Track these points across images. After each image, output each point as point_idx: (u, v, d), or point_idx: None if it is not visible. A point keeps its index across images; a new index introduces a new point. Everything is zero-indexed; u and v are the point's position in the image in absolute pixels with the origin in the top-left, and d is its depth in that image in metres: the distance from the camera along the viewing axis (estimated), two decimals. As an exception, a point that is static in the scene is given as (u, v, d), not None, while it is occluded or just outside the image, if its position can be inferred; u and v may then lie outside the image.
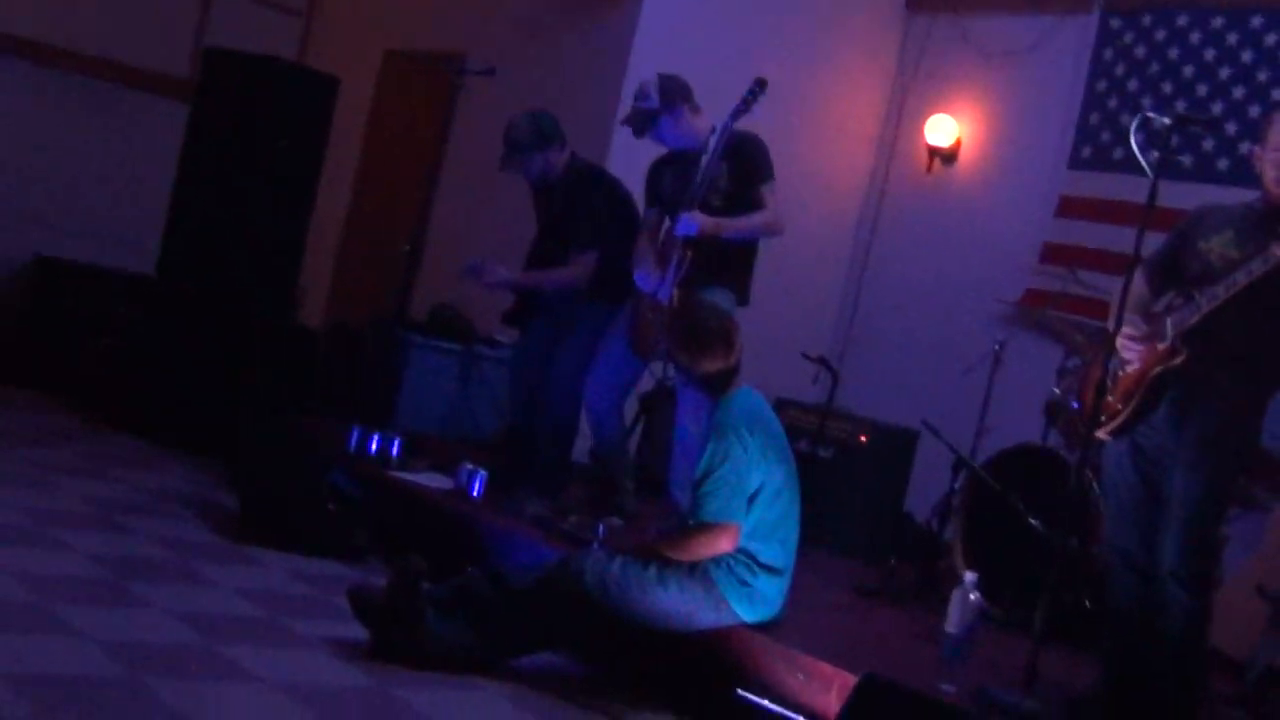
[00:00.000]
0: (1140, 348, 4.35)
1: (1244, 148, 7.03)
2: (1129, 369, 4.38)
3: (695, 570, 4.52)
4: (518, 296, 6.62)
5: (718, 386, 4.71)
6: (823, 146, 8.79)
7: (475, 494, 5.98)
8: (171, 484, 6.35)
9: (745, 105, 5.61)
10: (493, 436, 7.37)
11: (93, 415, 7.48)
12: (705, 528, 4.51)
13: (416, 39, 9.34)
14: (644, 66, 7.14)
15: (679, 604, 4.51)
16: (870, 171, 9.05)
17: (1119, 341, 4.35)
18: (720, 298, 5.58)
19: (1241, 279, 4.13)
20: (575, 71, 8.11)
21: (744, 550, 4.54)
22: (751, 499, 4.54)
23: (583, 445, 6.45)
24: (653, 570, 4.52)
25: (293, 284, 7.84)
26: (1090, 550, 5.47)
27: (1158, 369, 4.29)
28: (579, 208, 6.26)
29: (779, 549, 4.62)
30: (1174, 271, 4.48)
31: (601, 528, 5.30)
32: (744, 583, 4.53)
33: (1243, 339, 4.21)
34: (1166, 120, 4.30)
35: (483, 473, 6.01)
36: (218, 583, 4.94)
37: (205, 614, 4.53)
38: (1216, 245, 4.33)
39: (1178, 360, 4.25)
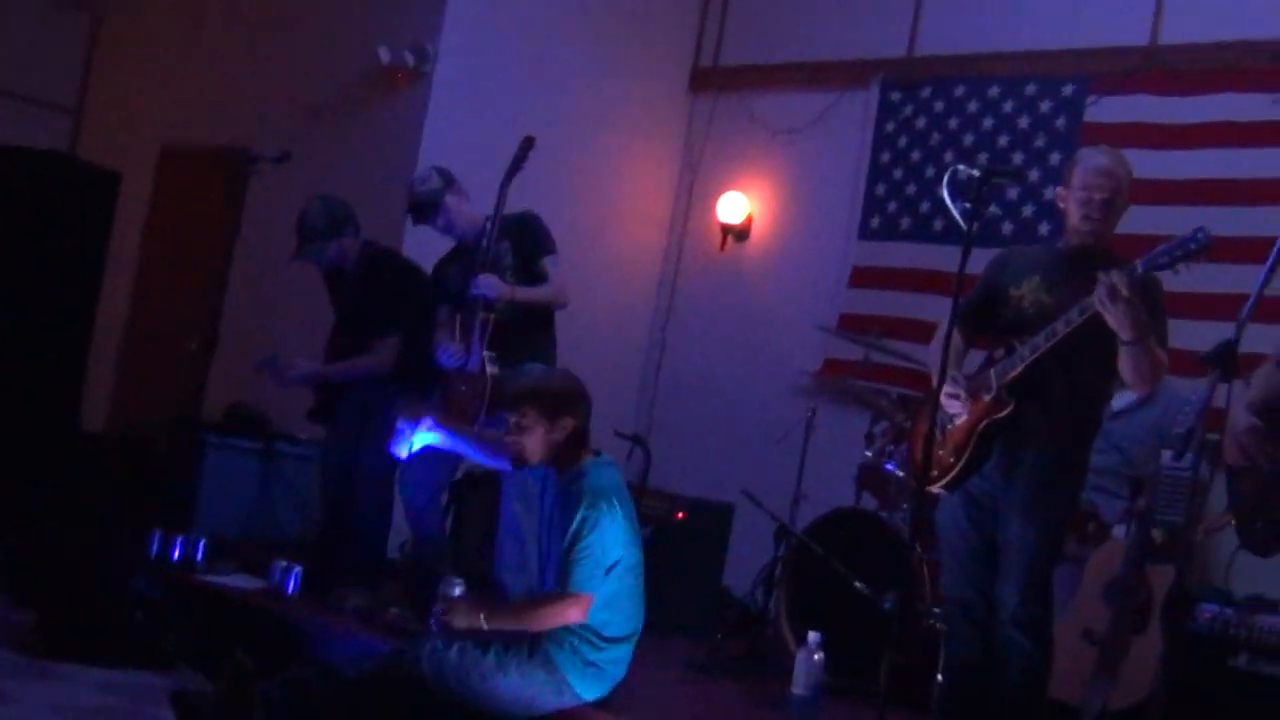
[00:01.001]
0: (965, 401, 4.40)
1: (1027, 210, 7.26)
2: (957, 422, 4.43)
3: (535, 653, 4.38)
4: (319, 390, 6.42)
5: (578, 447, 4.61)
6: (614, 229, 8.79)
7: (291, 591, 5.74)
8: (-43, 603, 5.97)
9: (517, 165, 5.65)
10: (297, 536, 7.11)
11: None
12: (564, 596, 4.39)
13: (195, 133, 9.06)
14: (434, 152, 7.07)
15: (520, 689, 4.36)
16: (663, 251, 9.07)
17: (943, 397, 4.40)
18: (539, 373, 5.51)
19: (1061, 328, 4.22)
20: (366, 160, 7.97)
21: (589, 626, 4.42)
22: (608, 571, 4.43)
23: (394, 539, 6.26)
24: (491, 656, 4.37)
25: (75, 387, 7.49)
26: (917, 608, 5.50)
27: (986, 421, 4.35)
28: (375, 294, 6.14)
29: (624, 619, 4.51)
30: (985, 320, 4.57)
31: (443, 586, 5.06)
32: (588, 662, 4.41)
33: (1064, 385, 4.31)
34: (975, 173, 4.40)
35: (297, 568, 5.78)
36: (23, 700, 4.62)
37: (15, 734, 4.24)
38: (1027, 290, 4.43)
39: (1005, 411, 4.32)
